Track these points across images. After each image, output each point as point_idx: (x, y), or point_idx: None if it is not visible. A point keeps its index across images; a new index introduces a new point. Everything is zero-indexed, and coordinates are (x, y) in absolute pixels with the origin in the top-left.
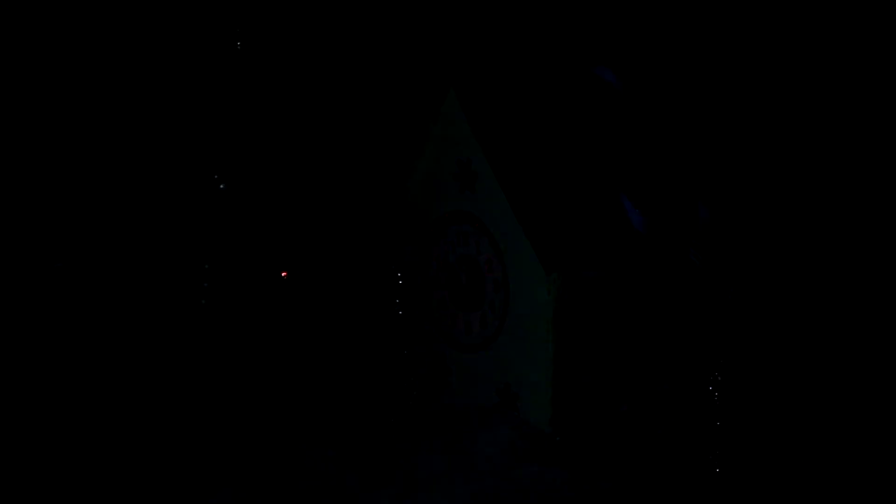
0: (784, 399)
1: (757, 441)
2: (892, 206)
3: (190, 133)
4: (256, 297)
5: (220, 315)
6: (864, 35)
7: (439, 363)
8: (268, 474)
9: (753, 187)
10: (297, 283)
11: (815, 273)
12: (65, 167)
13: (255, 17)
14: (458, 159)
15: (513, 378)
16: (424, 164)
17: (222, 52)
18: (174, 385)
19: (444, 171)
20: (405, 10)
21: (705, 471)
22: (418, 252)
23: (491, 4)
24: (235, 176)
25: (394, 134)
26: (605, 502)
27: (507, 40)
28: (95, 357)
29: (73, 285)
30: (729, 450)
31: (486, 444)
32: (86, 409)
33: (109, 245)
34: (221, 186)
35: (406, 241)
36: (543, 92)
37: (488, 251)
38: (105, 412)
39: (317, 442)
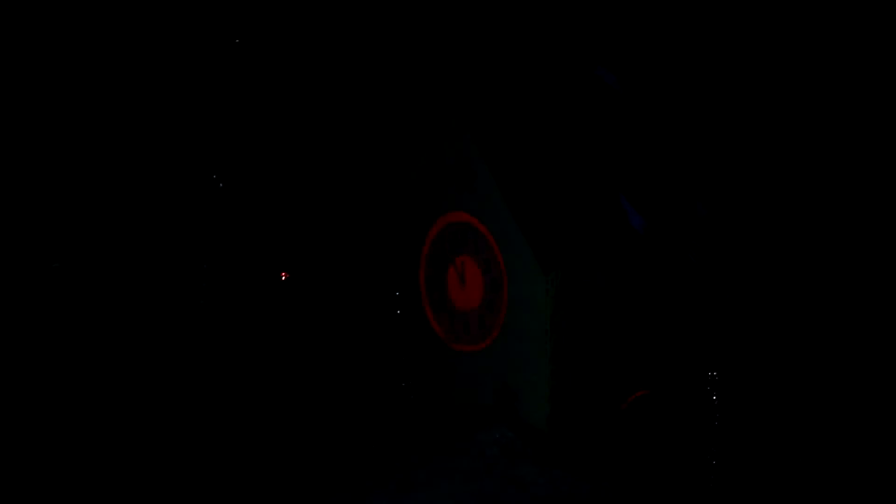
0: (783, 399)
1: (756, 441)
2: (892, 206)
3: (189, 132)
4: (255, 297)
5: (219, 316)
6: (864, 35)
7: (438, 363)
8: (267, 474)
9: (753, 187)
10: (297, 283)
11: (815, 274)
12: (62, 166)
13: (255, 17)
14: (458, 159)
15: (511, 377)
16: (423, 163)
17: (222, 52)
18: (172, 386)
19: (444, 171)
20: (405, 10)
21: (705, 471)
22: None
23: (491, 4)
24: (234, 175)
25: (393, 133)
26: (605, 502)
27: (506, 39)
28: (93, 358)
29: (70, 286)
30: (728, 450)
31: (485, 444)
32: (83, 410)
33: (107, 245)
34: (220, 186)
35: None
36: (543, 91)
37: (486, 250)
38: (103, 413)
39: (316, 442)
